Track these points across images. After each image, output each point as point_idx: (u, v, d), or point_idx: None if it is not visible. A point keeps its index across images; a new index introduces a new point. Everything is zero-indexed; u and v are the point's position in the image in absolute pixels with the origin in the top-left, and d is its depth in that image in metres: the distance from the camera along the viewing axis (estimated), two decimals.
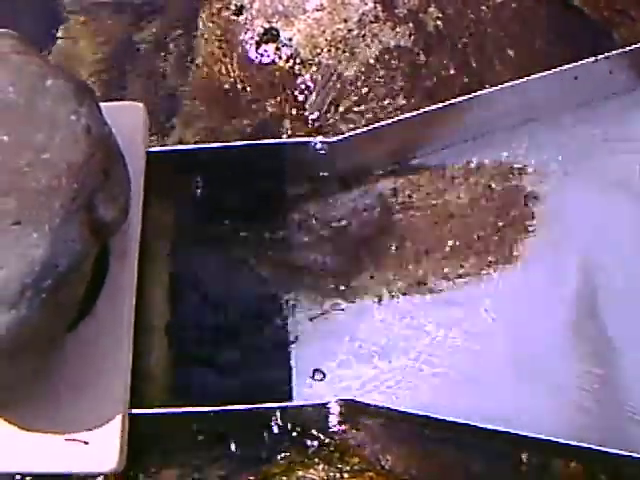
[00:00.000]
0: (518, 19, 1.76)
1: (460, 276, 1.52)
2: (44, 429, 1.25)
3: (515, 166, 1.62)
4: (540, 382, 1.42)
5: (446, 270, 1.53)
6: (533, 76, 1.59)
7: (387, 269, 1.54)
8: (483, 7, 1.76)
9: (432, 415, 1.35)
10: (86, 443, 1.24)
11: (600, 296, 1.49)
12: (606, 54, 1.60)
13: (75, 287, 1.22)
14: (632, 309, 1.48)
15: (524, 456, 1.37)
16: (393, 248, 1.55)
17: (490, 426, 1.33)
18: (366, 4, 1.72)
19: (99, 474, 1.28)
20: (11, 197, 1.14)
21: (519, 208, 1.58)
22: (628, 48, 1.61)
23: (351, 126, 1.64)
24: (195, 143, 1.64)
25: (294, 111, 1.67)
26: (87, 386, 1.29)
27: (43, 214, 1.15)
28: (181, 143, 1.65)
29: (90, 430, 1.25)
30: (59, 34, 1.81)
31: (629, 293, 1.49)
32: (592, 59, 1.59)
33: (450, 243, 1.55)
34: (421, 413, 1.36)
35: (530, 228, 1.56)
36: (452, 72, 1.69)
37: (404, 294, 1.52)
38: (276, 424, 1.39)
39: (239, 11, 1.77)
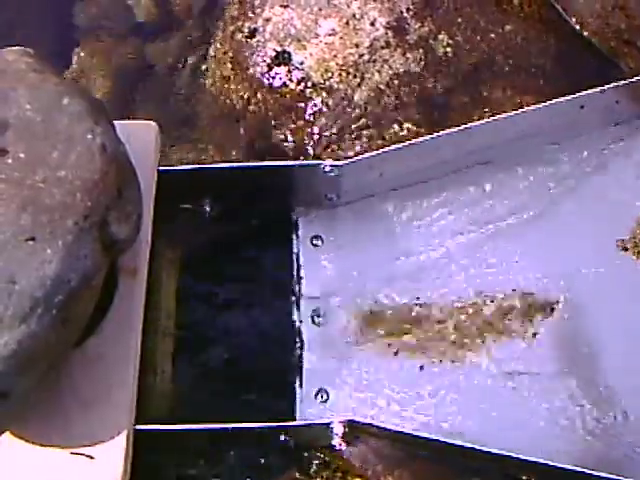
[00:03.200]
0: (527, 47, 1.78)
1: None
2: (49, 443, 1.26)
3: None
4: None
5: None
6: (540, 105, 1.61)
7: None
8: (492, 35, 1.78)
9: (434, 437, 1.36)
10: (91, 458, 1.25)
11: None
12: (613, 84, 1.61)
13: (85, 303, 1.24)
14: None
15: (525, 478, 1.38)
16: None
17: (494, 450, 1.34)
18: (377, 30, 1.74)
19: None
20: (26, 213, 1.16)
21: None
22: (635, 78, 1.62)
23: (360, 150, 1.66)
24: (207, 163, 1.66)
25: (304, 134, 1.70)
26: (93, 401, 1.29)
27: (57, 230, 1.17)
28: (193, 163, 1.67)
29: (95, 445, 1.26)
30: (74, 53, 1.84)
31: None
32: (599, 89, 1.61)
33: None
34: (424, 435, 1.37)
35: None
36: (461, 98, 1.72)
37: None
38: (279, 443, 1.40)
39: (252, 34, 1.79)
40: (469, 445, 1.34)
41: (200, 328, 1.53)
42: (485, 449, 1.33)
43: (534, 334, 1.51)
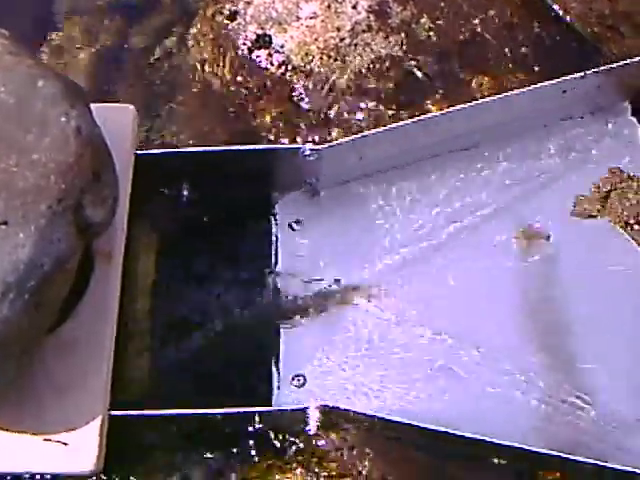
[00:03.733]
0: (509, 32, 1.77)
1: None
2: (23, 429, 1.26)
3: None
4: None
5: None
6: (522, 89, 1.60)
7: None
8: (474, 19, 1.78)
9: (409, 422, 1.36)
10: (65, 444, 1.25)
11: None
12: (594, 69, 1.61)
13: (59, 287, 1.23)
14: None
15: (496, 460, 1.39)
16: None
17: (467, 434, 1.34)
18: (359, 13, 1.73)
19: (78, 475, 1.28)
20: None
21: None
22: (616, 64, 1.62)
23: (340, 134, 1.65)
24: (186, 146, 1.65)
25: (284, 117, 1.68)
26: (68, 387, 1.29)
27: (30, 214, 1.16)
28: (172, 146, 1.66)
29: (70, 431, 1.26)
30: (52, 35, 1.82)
31: None
32: (580, 74, 1.60)
33: None
34: (398, 419, 1.37)
35: None
36: (443, 83, 1.71)
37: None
38: (255, 428, 1.40)
39: (233, 16, 1.78)
40: (443, 429, 1.35)
41: (177, 312, 1.52)
42: (459, 433, 1.34)
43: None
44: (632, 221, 1.56)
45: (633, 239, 1.55)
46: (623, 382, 1.44)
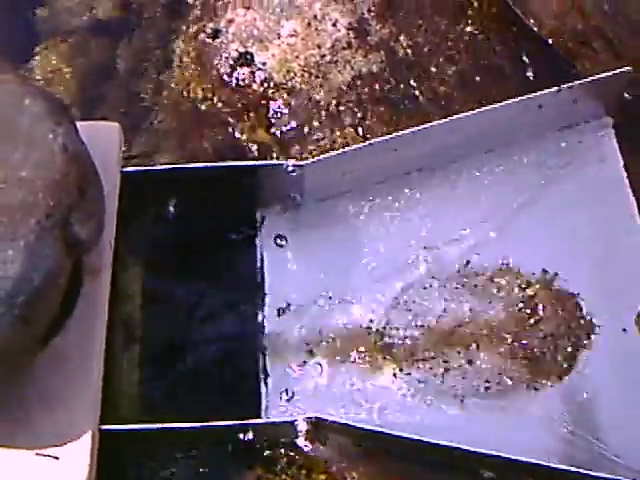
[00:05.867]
0: (486, 48, 1.81)
1: None
2: (14, 444, 1.26)
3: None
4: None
5: None
6: (499, 104, 1.63)
7: None
8: (452, 35, 1.81)
9: (397, 434, 1.37)
10: (56, 458, 1.25)
11: None
12: (569, 84, 1.64)
13: (48, 303, 1.24)
14: None
15: (485, 474, 1.40)
16: None
17: (456, 445, 1.35)
18: (339, 31, 1.76)
19: None
20: None
21: None
22: (591, 78, 1.65)
23: (322, 149, 1.67)
24: (169, 163, 1.66)
25: (267, 133, 1.71)
26: (58, 402, 1.29)
27: (18, 230, 1.17)
28: (155, 163, 1.67)
29: (61, 445, 1.26)
30: (36, 53, 1.83)
31: None
32: (556, 88, 1.63)
33: None
34: (386, 431, 1.38)
35: None
36: (421, 99, 1.74)
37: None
38: (245, 440, 1.41)
39: (215, 34, 1.80)
40: (433, 441, 1.36)
41: (164, 328, 1.53)
42: (449, 445, 1.35)
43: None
44: None
45: None
46: None
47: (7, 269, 1.15)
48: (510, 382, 1.48)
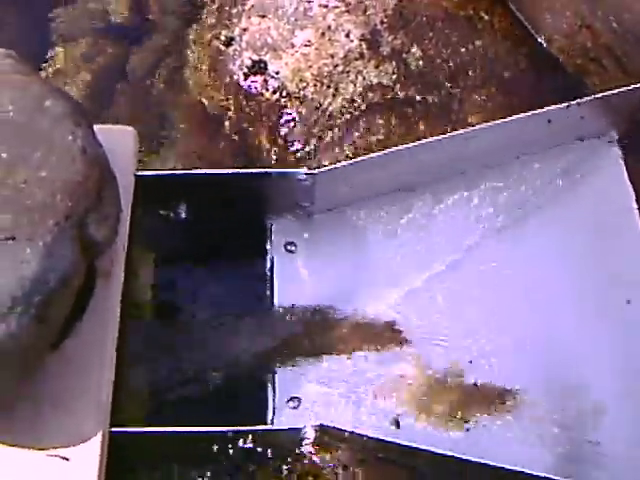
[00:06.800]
0: (496, 62, 1.83)
1: None
2: (25, 444, 1.26)
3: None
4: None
5: None
6: (509, 118, 1.64)
7: None
8: (463, 49, 1.83)
9: (405, 443, 1.38)
10: (66, 459, 1.25)
11: None
12: (578, 100, 1.66)
13: (63, 304, 1.24)
14: None
15: None
16: None
17: (460, 455, 1.36)
18: (352, 42, 1.78)
19: None
20: (7, 212, 1.16)
21: None
22: (599, 95, 1.67)
23: (333, 159, 1.69)
24: (181, 168, 1.67)
25: (279, 141, 1.72)
26: (69, 404, 1.29)
27: (37, 230, 1.17)
28: (168, 168, 1.68)
29: (71, 447, 1.26)
30: (51, 55, 1.84)
31: None
32: (565, 104, 1.65)
33: None
34: (392, 440, 1.39)
35: None
36: (432, 110, 1.75)
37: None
38: (251, 447, 1.41)
39: (229, 42, 1.81)
40: (440, 451, 1.37)
41: (175, 333, 1.54)
42: (456, 455, 1.36)
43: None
44: None
45: None
46: None
47: (24, 268, 1.15)
48: None
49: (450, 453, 1.36)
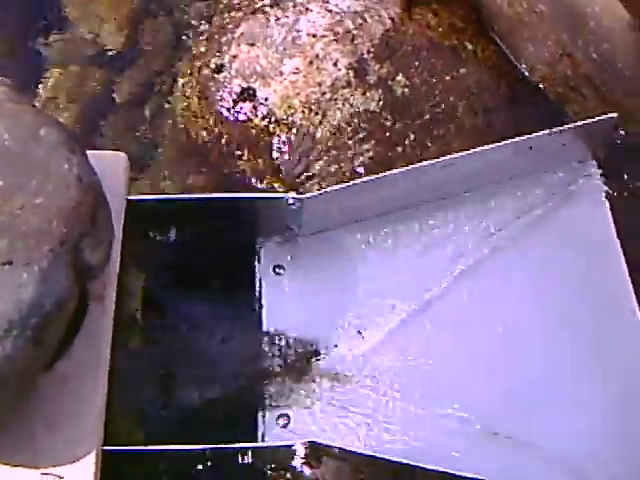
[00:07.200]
0: (480, 90, 1.87)
1: None
2: (20, 464, 1.28)
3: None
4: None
5: None
6: (491, 145, 1.68)
7: None
8: (447, 77, 1.87)
9: (396, 459, 1.41)
10: (61, 478, 1.28)
11: None
12: (559, 127, 1.70)
13: (57, 327, 1.27)
14: None
15: None
16: None
17: (449, 470, 1.39)
18: (339, 70, 1.82)
19: None
20: (3, 238, 1.20)
21: None
22: (580, 123, 1.72)
23: (321, 184, 1.73)
24: (171, 193, 1.71)
25: (267, 167, 1.76)
26: (62, 424, 1.32)
27: (33, 255, 1.21)
28: (156, 193, 1.71)
29: (64, 466, 1.29)
30: (41, 83, 1.88)
31: None
32: (546, 131, 1.70)
33: None
34: (383, 456, 1.42)
35: None
36: (417, 137, 1.80)
37: None
38: (242, 465, 1.44)
39: (218, 69, 1.85)
40: (431, 467, 1.39)
41: (164, 355, 1.57)
42: (448, 471, 1.39)
43: None
44: None
45: None
46: None
47: (21, 293, 1.19)
48: None
49: (442, 469, 1.39)
